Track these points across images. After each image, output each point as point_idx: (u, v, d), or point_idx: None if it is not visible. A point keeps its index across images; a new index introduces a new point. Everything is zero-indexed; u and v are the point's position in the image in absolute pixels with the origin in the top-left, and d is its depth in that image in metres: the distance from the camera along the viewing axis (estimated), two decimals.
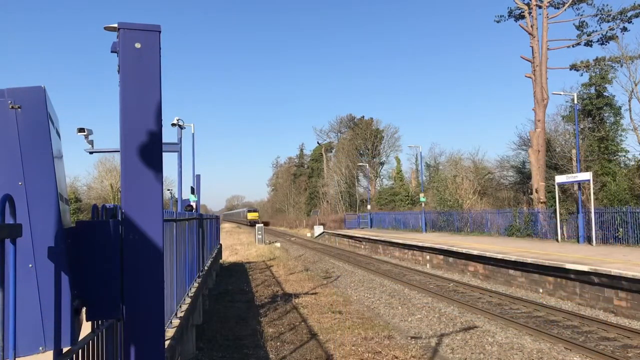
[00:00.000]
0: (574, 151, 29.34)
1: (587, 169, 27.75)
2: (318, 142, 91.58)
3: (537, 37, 33.18)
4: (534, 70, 33.17)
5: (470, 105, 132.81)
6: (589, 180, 22.92)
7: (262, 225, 45.42)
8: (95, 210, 2.80)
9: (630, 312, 12.70)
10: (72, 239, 2.48)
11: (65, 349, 2.35)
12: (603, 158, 31.24)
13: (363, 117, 78.63)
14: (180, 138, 19.18)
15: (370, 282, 19.99)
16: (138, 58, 2.77)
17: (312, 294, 16.59)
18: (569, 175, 25.53)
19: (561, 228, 24.78)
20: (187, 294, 8.92)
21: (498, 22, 37.99)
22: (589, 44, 35.60)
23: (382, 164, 73.55)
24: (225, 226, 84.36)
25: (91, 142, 16.47)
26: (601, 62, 33.22)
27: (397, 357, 9.23)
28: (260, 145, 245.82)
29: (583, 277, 14.44)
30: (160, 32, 2.84)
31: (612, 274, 13.24)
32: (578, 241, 23.36)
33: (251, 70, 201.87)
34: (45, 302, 2.24)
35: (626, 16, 33.47)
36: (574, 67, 34.87)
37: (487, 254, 19.44)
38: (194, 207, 18.27)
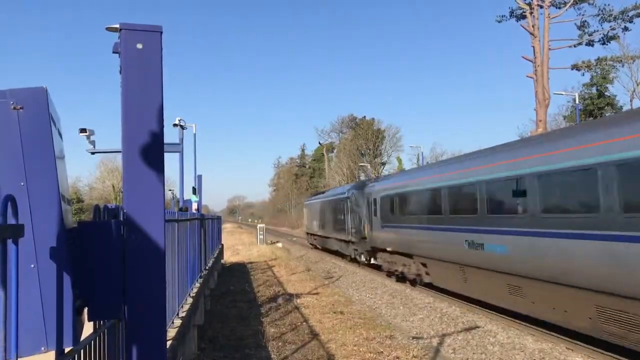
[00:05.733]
0: None
1: None
2: (319, 142, 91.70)
3: (539, 37, 33.15)
4: (536, 70, 33.12)
5: (471, 105, 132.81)
6: None
7: (263, 225, 45.24)
8: (97, 210, 2.81)
9: None
10: (74, 240, 2.49)
11: (67, 349, 2.36)
12: None
13: (364, 117, 78.73)
14: (182, 138, 19.24)
15: (371, 282, 19.97)
16: (140, 58, 2.78)
17: (314, 294, 16.60)
18: None
19: None
20: (189, 294, 8.93)
21: (499, 22, 37.99)
22: (590, 43, 35.56)
23: (383, 164, 73.62)
24: (227, 226, 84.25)
25: (93, 143, 16.53)
26: (603, 62, 33.19)
27: (398, 357, 9.22)
28: (262, 146, 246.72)
29: None
30: (161, 32, 2.85)
31: None
32: None
33: (253, 71, 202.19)
34: (47, 303, 2.25)
35: (627, 16, 33.45)
36: (575, 67, 34.83)
37: None
38: (188, 207, 18.23)
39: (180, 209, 16.01)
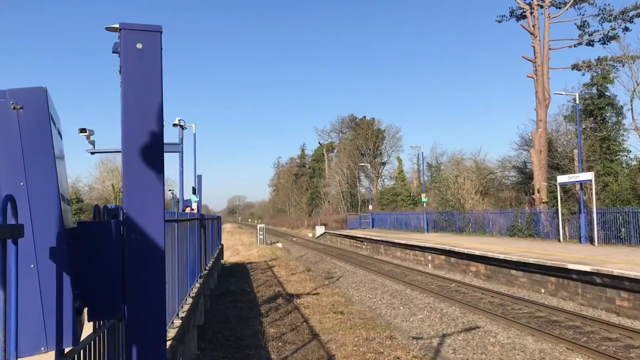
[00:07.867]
0: (575, 151, 29.27)
1: (588, 169, 27.69)
2: (319, 143, 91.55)
3: (539, 37, 33.14)
4: (536, 70, 33.12)
5: (471, 106, 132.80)
6: (590, 180, 22.88)
7: (263, 225, 45.29)
8: (97, 210, 2.80)
9: (633, 312, 12.67)
10: (74, 240, 2.48)
11: (67, 350, 2.35)
12: (605, 158, 31.14)
13: (364, 117, 78.59)
14: (182, 138, 19.20)
15: (372, 283, 19.97)
16: (139, 58, 2.77)
17: (314, 294, 16.59)
18: (571, 175, 25.49)
19: (563, 228, 24.74)
20: (189, 294, 8.92)
21: (500, 22, 37.99)
22: (590, 43, 35.56)
23: (383, 164, 73.57)
24: (227, 226, 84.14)
25: (93, 143, 16.47)
26: (603, 61, 33.13)
27: (398, 358, 9.22)
28: (262, 146, 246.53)
29: (585, 277, 14.41)
30: (161, 32, 2.84)
31: (614, 274, 13.20)
32: (580, 241, 23.31)
33: (253, 71, 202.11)
34: (47, 303, 2.24)
35: (628, 16, 33.43)
36: (575, 67, 34.80)
37: (489, 254, 19.41)
38: (188, 206, 18.21)
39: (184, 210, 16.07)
